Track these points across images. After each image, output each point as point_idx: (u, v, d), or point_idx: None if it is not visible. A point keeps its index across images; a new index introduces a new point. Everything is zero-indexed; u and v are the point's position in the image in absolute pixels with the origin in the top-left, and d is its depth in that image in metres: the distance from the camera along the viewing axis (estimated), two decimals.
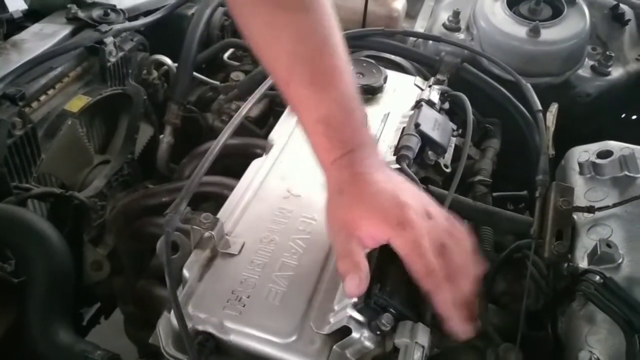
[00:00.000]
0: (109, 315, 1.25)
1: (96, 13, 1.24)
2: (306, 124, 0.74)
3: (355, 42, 1.22)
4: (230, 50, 1.46)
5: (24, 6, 1.28)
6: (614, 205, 0.85)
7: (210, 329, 0.69)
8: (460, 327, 0.67)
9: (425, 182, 0.91)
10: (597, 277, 0.76)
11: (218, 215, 0.81)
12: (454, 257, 0.68)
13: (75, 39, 1.17)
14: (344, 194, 0.71)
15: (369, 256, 0.74)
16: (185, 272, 0.75)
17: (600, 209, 0.86)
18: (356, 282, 0.66)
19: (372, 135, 0.75)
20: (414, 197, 0.71)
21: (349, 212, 0.70)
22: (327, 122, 0.71)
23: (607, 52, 1.31)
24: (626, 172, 0.91)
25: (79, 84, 1.17)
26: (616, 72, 1.32)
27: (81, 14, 1.22)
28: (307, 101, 0.72)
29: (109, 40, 1.18)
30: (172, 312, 0.68)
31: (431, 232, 0.68)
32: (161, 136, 1.30)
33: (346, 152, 0.71)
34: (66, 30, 1.20)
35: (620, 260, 0.79)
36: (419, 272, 0.66)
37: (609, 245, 0.79)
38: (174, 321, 0.69)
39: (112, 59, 1.19)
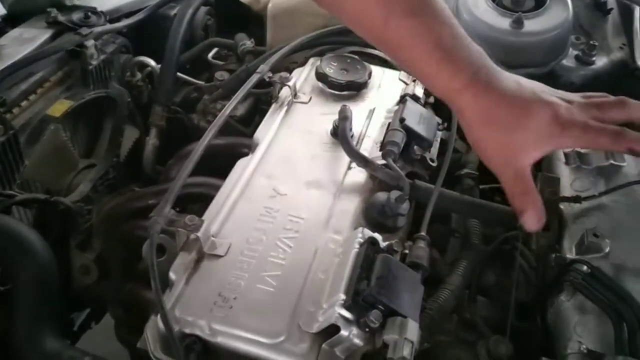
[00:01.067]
0: (100, 320, 1.24)
1: (76, 16, 1.23)
2: (419, 58, 0.69)
3: (338, 38, 1.21)
4: (215, 50, 1.45)
5: (3, 11, 1.26)
6: (600, 195, 0.86)
7: (198, 332, 0.68)
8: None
9: (411, 177, 0.91)
10: (585, 267, 0.76)
11: (204, 217, 0.81)
12: (608, 106, 0.70)
13: (55, 43, 1.16)
14: (496, 122, 0.67)
15: (357, 254, 0.74)
16: (172, 275, 0.74)
17: (586, 198, 0.86)
18: (536, 217, 0.68)
19: (480, 47, 0.72)
20: (552, 92, 0.71)
21: (513, 143, 0.68)
22: (444, 46, 0.67)
23: (591, 42, 1.31)
24: (612, 161, 0.92)
25: (61, 88, 1.16)
26: (600, 61, 1.32)
27: (61, 18, 1.21)
28: (415, 31, 0.67)
29: (90, 43, 1.17)
30: (159, 315, 0.67)
31: (582, 108, 0.69)
32: (147, 138, 1.29)
33: (476, 70, 0.67)
34: (46, 34, 1.19)
35: (607, 250, 0.80)
36: (606, 143, 0.68)
37: (595, 235, 0.79)
38: (162, 325, 0.68)
39: (94, 62, 1.18)
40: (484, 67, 0.68)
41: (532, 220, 0.68)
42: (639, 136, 0.68)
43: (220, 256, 0.77)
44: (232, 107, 0.95)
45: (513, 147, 0.68)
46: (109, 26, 1.23)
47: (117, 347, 1.07)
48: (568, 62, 1.31)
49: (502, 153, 0.69)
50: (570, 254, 0.81)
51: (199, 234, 0.75)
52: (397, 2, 0.67)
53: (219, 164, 1.01)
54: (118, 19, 1.31)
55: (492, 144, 0.69)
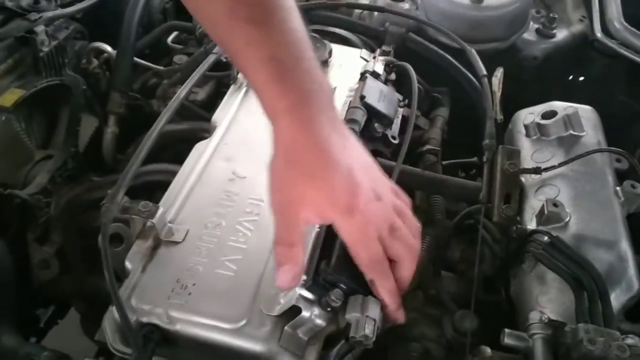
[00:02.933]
0: (64, 316, 1.21)
1: (25, 1, 1.17)
2: (252, 68, 0.64)
3: None
4: (174, 34, 1.41)
5: None
6: (560, 165, 0.86)
7: (156, 320, 0.67)
8: (396, 314, 0.69)
9: (373, 155, 0.89)
10: (545, 237, 0.76)
11: (160, 203, 0.78)
12: (402, 237, 0.67)
13: (3, 30, 1.11)
14: (293, 166, 0.64)
15: (318, 234, 0.73)
16: (128, 264, 0.73)
17: (546, 169, 0.86)
18: (290, 276, 0.64)
19: (328, 81, 0.68)
20: (366, 172, 0.67)
21: (296, 189, 0.64)
22: (277, 60, 0.62)
23: (551, 15, 1.32)
24: (571, 131, 0.92)
25: (12, 77, 1.11)
26: (561, 34, 1.33)
27: (9, 3, 1.15)
28: (253, 39, 0.63)
29: (40, 29, 1.12)
30: (115, 305, 0.65)
31: (379, 215, 0.65)
32: (105, 127, 1.25)
33: (300, 99, 0.63)
34: None
35: (567, 219, 0.80)
36: (363, 260, 0.65)
37: (555, 205, 0.80)
38: (118, 315, 0.66)
39: (45, 49, 1.14)
40: (316, 102, 0.64)
41: (286, 276, 0.64)
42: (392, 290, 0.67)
43: (177, 242, 0.75)
44: (187, 89, 0.92)
45: (298, 198, 0.64)
46: (60, 11, 1.18)
47: (88, 342, 1.05)
48: (529, 35, 1.31)
49: (286, 196, 0.65)
50: (532, 225, 0.82)
51: (155, 220, 0.73)
52: (242, 7, 0.63)
53: (181, 150, 0.98)
54: (70, 4, 1.26)
55: (282, 182, 0.65)
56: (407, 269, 0.68)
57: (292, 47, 0.64)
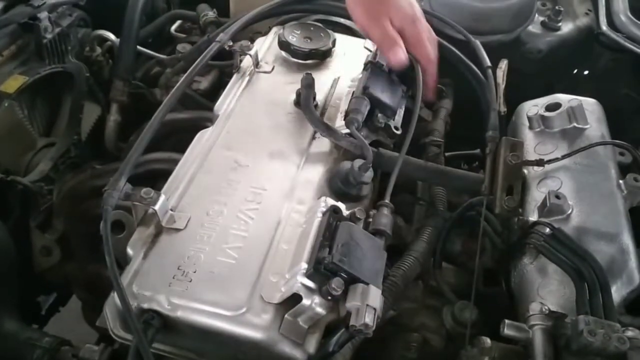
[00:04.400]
0: (66, 302, 1.22)
1: None
2: None
3: (303, 6, 1.18)
4: (178, 23, 1.41)
5: None
6: (563, 157, 0.86)
7: (156, 307, 0.67)
8: (433, 95, 1.04)
9: (375, 145, 0.90)
10: (547, 229, 0.76)
11: (162, 191, 0.78)
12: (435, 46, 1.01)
13: (6, 16, 1.11)
14: None
15: (320, 223, 0.73)
16: (129, 251, 0.73)
17: (549, 161, 0.86)
18: (401, 52, 0.94)
19: None
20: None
21: (381, 4, 0.95)
22: None
23: (557, 7, 1.31)
24: (574, 124, 0.92)
25: (15, 63, 1.12)
26: (566, 27, 1.32)
27: None
28: None
29: (43, 15, 1.12)
30: (115, 291, 0.66)
31: (425, 28, 1.00)
32: (108, 115, 1.25)
33: None
34: None
35: (569, 211, 0.80)
36: (424, 53, 0.97)
37: (557, 197, 0.80)
38: (119, 301, 0.66)
39: (48, 36, 1.14)
40: None
41: (396, 56, 0.94)
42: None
43: (179, 230, 0.75)
44: (189, 78, 0.92)
45: (377, 12, 0.94)
46: None
47: (89, 329, 1.05)
48: (534, 28, 1.30)
49: (369, 15, 0.95)
50: (534, 217, 0.81)
51: (157, 207, 0.73)
52: None
53: (183, 139, 0.98)
54: None
55: (361, 8, 0.96)
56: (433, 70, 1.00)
57: None
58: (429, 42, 0.99)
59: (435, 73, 1.00)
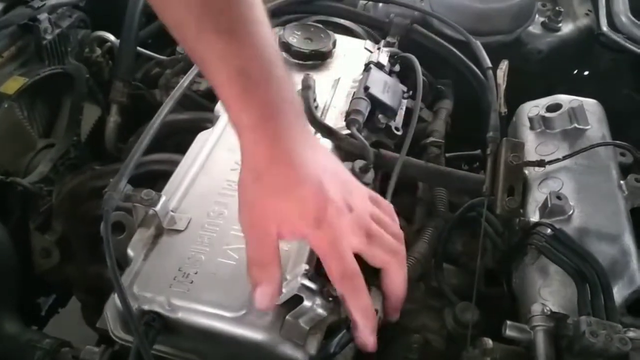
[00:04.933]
0: (66, 304, 1.21)
1: None
2: (220, 82, 0.63)
3: (303, 7, 1.18)
4: None
5: None
6: (564, 158, 0.86)
7: (157, 308, 0.66)
8: (368, 337, 0.66)
9: (376, 146, 0.89)
10: (548, 230, 0.76)
11: (163, 192, 0.78)
12: (382, 244, 0.67)
13: (6, 17, 1.11)
14: (261, 181, 0.63)
15: None
16: (130, 252, 0.73)
17: (550, 162, 0.85)
18: (268, 296, 0.64)
19: (297, 95, 0.68)
20: (338, 183, 0.66)
21: (265, 205, 0.63)
22: (245, 74, 0.61)
23: (557, 8, 1.31)
24: (575, 125, 0.92)
25: (14, 64, 1.11)
26: (566, 28, 1.32)
27: None
28: (221, 52, 0.61)
29: (43, 16, 1.12)
30: (116, 292, 0.65)
31: (352, 226, 0.64)
32: (108, 116, 1.25)
33: (266, 114, 0.62)
34: None
35: (570, 212, 0.80)
36: (334, 275, 0.64)
37: (559, 198, 0.79)
38: (119, 303, 0.66)
39: (48, 37, 1.14)
40: (283, 117, 0.63)
41: (263, 297, 0.64)
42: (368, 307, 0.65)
43: (179, 231, 0.75)
44: (190, 79, 0.92)
45: (267, 213, 0.63)
46: None
47: (89, 331, 1.05)
48: (534, 29, 1.30)
49: (255, 212, 0.64)
50: (535, 218, 0.81)
51: (157, 208, 0.73)
52: (210, 18, 0.61)
53: (184, 140, 0.98)
54: None
55: (250, 198, 0.65)
56: (397, 274, 0.68)
57: (260, 62, 0.63)
58: (349, 255, 0.64)
59: (364, 305, 0.66)
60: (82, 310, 1.12)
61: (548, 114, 0.92)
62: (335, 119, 0.94)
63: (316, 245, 0.64)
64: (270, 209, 0.63)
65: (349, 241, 0.64)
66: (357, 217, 0.65)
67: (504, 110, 1.00)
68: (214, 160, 0.86)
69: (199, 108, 1.15)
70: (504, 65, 1.03)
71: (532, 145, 0.92)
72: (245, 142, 0.64)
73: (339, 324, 0.69)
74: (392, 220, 0.71)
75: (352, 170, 0.82)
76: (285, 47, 1.04)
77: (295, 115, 0.65)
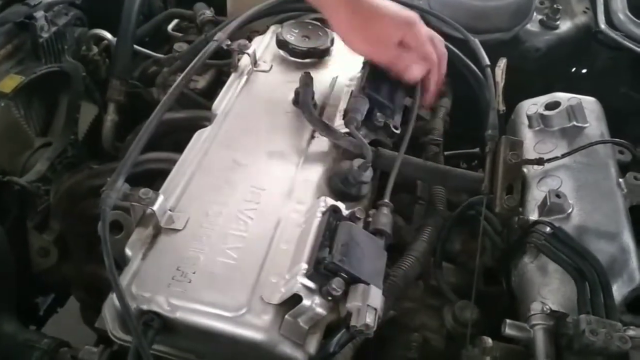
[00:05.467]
0: (64, 303, 1.21)
1: None
2: None
3: (301, 5, 1.18)
4: (175, 22, 1.40)
5: None
6: (563, 156, 0.85)
7: (156, 308, 0.66)
8: (433, 99, 0.99)
9: (374, 145, 0.89)
10: (547, 228, 0.76)
11: (160, 191, 0.78)
12: (439, 48, 0.95)
13: (2, 15, 1.10)
14: (359, 12, 0.89)
15: (320, 223, 0.72)
16: (128, 251, 0.72)
17: (549, 160, 0.85)
18: (413, 68, 0.92)
19: None
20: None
21: (375, 24, 0.89)
22: None
23: (555, 6, 1.30)
24: (574, 122, 0.92)
25: (11, 62, 1.11)
26: (564, 26, 1.32)
27: None
28: None
29: (39, 14, 1.12)
30: (115, 292, 0.65)
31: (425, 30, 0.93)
32: (105, 114, 1.25)
33: None
34: None
35: (570, 210, 0.80)
36: (425, 52, 0.92)
37: (558, 196, 0.79)
38: (118, 303, 0.66)
39: (45, 35, 1.13)
40: None
41: (411, 71, 0.92)
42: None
43: (178, 230, 0.74)
44: (187, 77, 0.91)
45: (379, 25, 0.89)
46: None
47: (87, 330, 1.05)
48: (532, 26, 1.30)
49: (369, 42, 0.91)
50: (534, 216, 0.81)
51: (155, 207, 0.73)
52: None
53: (181, 138, 0.98)
54: None
55: (359, 37, 0.91)
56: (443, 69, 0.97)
57: None
58: (430, 42, 0.94)
59: (438, 75, 0.95)
60: (81, 309, 1.12)
61: (547, 112, 0.92)
62: (333, 118, 0.93)
63: (416, 36, 0.91)
64: (382, 25, 0.90)
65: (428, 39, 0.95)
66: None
67: (502, 108, 1.00)
68: (212, 158, 0.85)
69: (196, 106, 1.14)
70: (502, 63, 1.03)
71: (531, 143, 0.92)
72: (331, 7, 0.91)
73: (338, 323, 0.69)
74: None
75: (351, 169, 0.82)
76: (283, 44, 1.04)
77: None
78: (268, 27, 1.16)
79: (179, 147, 0.95)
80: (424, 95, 0.95)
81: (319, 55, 1.05)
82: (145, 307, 0.66)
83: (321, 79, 1.00)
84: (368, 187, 0.85)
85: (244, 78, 1.00)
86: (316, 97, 0.94)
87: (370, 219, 0.76)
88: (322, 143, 0.89)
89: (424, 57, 0.92)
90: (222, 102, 0.96)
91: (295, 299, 0.66)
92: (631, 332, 0.64)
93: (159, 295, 0.67)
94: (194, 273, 0.70)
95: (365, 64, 0.99)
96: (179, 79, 0.91)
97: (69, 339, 0.83)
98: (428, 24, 1.20)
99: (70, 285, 1.10)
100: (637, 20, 1.22)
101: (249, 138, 0.89)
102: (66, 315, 1.25)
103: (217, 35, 1.01)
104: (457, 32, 1.16)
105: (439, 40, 0.97)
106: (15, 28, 1.11)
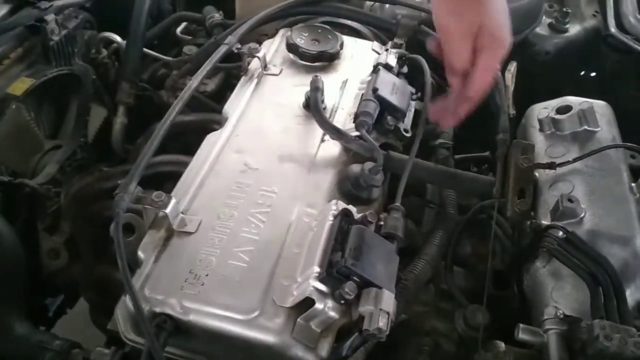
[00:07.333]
0: (73, 305, 1.21)
1: None
2: None
3: (310, 8, 1.18)
4: (183, 25, 1.41)
5: None
6: (575, 160, 0.85)
7: (169, 310, 0.66)
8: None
9: (385, 148, 0.89)
10: (560, 233, 0.75)
11: (173, 194, 0.78)
12: (488, 83, 0.81)
13: (13, 18, 1.11)
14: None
15: (332, 226, 0.72)
16: (140, 254, 0.72)
17: (561, 164, 0.85)
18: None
19: None
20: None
21: (479, 12, 0.75)
22: None
23: (564, 9, 1.31)
24: (585, 127, 0.91)
25: (22, 65, 1.11)
26: (574, 29, 1.32)
27: None
28: None
29: (50, 17, 1.12)
30: (128, 295, 0.65)
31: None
32: (115, 117, 1.25)
33: None
34: (4, 9, 1.13)
35: (582, 215, 0.79)
36: (483, 85, 0.79)
37: (570, 200, 0.79)
38: (131, 305, 0.66)
39: (55, 38, 1.14)
40: None
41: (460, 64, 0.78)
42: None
43: (190, 233, 0.75)
44: (198, 80, 0.91)
45: (480, 18, 0.75)
46: (69, 0, 1.18)
47: (95, 332, 1.05)
48: (542, 30, 1.30)
49: (469, 17, 0.76)
50: (546, 220, 0.81)
51: (167, 210, 0.73)
52: None
53: (191, 141, 0.98)
54: None
55: (462, 5, 0.76)
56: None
57: None
58: (489, 71, 0.80)
59: (472, 107, 0.83)
60: (90, 311, 1.12)
61: (558, 116, 0.92)
62: (343, 121, 0.94)
63: (490, 58, 0.78)
64: (478, 17, 0.75)
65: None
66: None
67: (512, 111, 1.00)
68: (223, 162, 0.85)
69: (204, 109, 1.15)
70: (512, 67, 1.03)
71: (542, 148, 0.91)
72: None
73: (350, 326, 0.69)
74: None
75: (362, 172, 0.82)
76: (293, 48, 1.04)
77: None
78: (277, 31, 1.16)
79: (188, 150, 0.96)
80: (447, 117, 0.84)
81: (329, 59, 1.05)
82: (158, 309, 0.66)
83: (331, 82, 1.00)
84: (379, 190, 0.85)
85: (254, 81, 1.01)
86: (326, 100, 0.94)
87: (381, 223, 0.76)
88: (332, 147, 0.89)
89: (476, 84, 0.80)
90: (232, 106, 0.96)
91: (307, 303, 0.66)
92: None
93: (171, 297, 0.67)
94: (206, 276, 0.70)
95: (375, 67, 1.00)
96: (191, 81, 0.91)
97: (76, 340, 0.83)
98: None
99: (80, 287, 1.10)
100: None
101: (260, 141, 0.89)
102: (74, 317, 1.25)
103: (227, 39, 1.02)
104: None
105: (497, 78, 0.90)
106: (26, 31, 1.12)
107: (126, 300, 0.68)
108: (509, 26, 0.80)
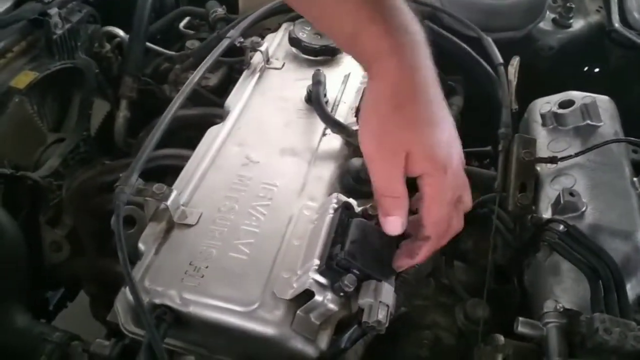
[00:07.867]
0: (74, 298, 1.22)
1: None
2: (348, 10, 0.60)
3: None
4: (186, 19, 1.41)
5: None
6: (577, 155, 0.85)
7: (169, 302, 0.66)
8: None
9: None
10: (561, 226, 0.75)
11: (174, 186, 0.78)
12: (459, 212, 0.66)
13: (17, 12, 1.11)
14: (400, 111, 0.59)
15: (332, 219, 0.72)
16: (141, 246, 0.73)
17: (562, 158, 0.85)
18: (399, 224, 0.64)
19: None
20: (456, 137, 0.65)
21: (403, 135, 0.60)
22: (375, 1, 0.59)
23: (568, 4, 1.30)
24: (588, 121, 0.91)
25: (25, 59, 1.12)
26: (577, 24, 1.31)
27: None
28: None
29: (53, 11, 1.13)
30: (127, 286, 0.65)
31: (459, 183, 0.65)
32: (117, 111, 1.25)
33: (406, 40, 0.59)
34: (7, 2, 1.14)
35: (583, 209, 0.79)
36: (432, 218, 0.64)
37: (572, 194, 0.79)
38: (131, 296, 0.66)
39: (58, 32, 1.14)
40: (420, 47, 0.60)
41: (396, 226, 0.65)
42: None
43: (190, 225, 0.75)
44: (200, 74, 0.91)
45: (404, 144, 0.60)
46: None
47: (95, 325, 1.05)
48: (545, 25, 1.30)
49: (391, 141, 0.61)
50: (547, 214, 0.81)
51: (168, 203, 0.73)
52: None
53: (193, 135, 0.98)
54: None
55: (387, 126, 0.61)
56: (446, 238, 0.67)
57: None
58: (447, 207, 0.64)
59: (432, 250, 0.67)
60: (91, 304, 1.12)
61: (560, 111, 0.92)
62: (345, 115, 0.94)
63: (432, 187, 0.63)
64: (405, 140, 0.60)
65: (452, 194, 0.64)
66: (463, 178, 0.66)
67: (515, 106, 1.00)
68: (225, 155, 0.86)
69: (207, 103, 1.15)
70: (515, 61, 1.03)
71: (544, 142, 0.91)
72: (384, 68, 0.60)
73: (349, 319, 0.69)
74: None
75: (363, 166, 0.82)
76: (296, 42, 1.04)
77: (425, 45, 0.61)
78: (280, 25, 1.16)
79: (190, 144, 0.96)
80: (404, 258, 0.68)
81: (331, 53, 1.05)
82: (158, 301, 0.67)
83: (333, 76, 1.00)
84: None
85: (257, 75, 1.01)
86: (328, 94, 0.94)
87: None
88: (334, 140, 0.89)
89: (427, 220, 0.65)
90: (234, 99, 0.96)
91: (307, 295, 0.66)
92: None
93: (171, 289, 0.67)
94: (206, 268, 0.70)
95: None
96: (193, 75, 0.92)
97: (76, 332, 0.84)
98: (440, 22, 1.21)
99: (82, 280, 1.10)
100: None
101: (262, 135, 0.89)
102: (74, 310, 1.25)
103: (230, 33, 1.02)
104: (470, 30, 1.16)
105: (461, 210, 0.67)
106: (29, 25, 1.12)
107: (126, 292, 0.68)
108: (456, 145, 0.64)
